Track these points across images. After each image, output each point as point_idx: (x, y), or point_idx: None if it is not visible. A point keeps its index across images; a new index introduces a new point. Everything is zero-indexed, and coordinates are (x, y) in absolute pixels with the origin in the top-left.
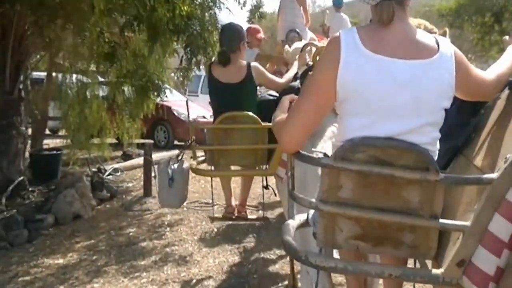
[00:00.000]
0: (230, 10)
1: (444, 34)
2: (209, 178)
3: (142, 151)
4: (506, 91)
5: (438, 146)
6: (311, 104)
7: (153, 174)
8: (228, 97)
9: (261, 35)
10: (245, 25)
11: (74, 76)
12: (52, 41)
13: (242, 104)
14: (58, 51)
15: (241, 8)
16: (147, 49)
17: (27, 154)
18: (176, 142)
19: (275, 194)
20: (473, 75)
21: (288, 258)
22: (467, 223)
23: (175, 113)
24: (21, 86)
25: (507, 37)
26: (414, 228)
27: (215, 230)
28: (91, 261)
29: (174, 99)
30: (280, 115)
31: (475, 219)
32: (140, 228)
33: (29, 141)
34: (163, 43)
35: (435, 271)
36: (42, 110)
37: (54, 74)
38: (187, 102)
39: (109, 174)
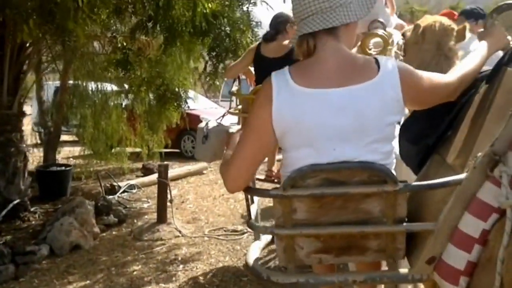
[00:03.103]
0: (268, 4)
1: (463, 30)
2: (240, 198)
3: (165, 163)
4: (484, 86)
5: (393, 156)
6: (250, 148)
7: (169, 198)
8: (269, 69)
9: None
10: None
11: (91, 84)
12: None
13: None
14: (72, 59)
15: (284, 1)
16: (164, 55)
17: (31, 168)
18: None
19: None
20: (425, 84)
21: None
22: (433, 224)
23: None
24: (22, 100)
25: (481, 30)
26: (378, 235)
27: (242, 268)
28: None
29: (202, 107)
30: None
31: (444, 218)
32: (147, 266)
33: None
34: (184, 46)
35: (402, 270)
36: (56, 121)
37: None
38: (223, 114)
39: (123, 191)
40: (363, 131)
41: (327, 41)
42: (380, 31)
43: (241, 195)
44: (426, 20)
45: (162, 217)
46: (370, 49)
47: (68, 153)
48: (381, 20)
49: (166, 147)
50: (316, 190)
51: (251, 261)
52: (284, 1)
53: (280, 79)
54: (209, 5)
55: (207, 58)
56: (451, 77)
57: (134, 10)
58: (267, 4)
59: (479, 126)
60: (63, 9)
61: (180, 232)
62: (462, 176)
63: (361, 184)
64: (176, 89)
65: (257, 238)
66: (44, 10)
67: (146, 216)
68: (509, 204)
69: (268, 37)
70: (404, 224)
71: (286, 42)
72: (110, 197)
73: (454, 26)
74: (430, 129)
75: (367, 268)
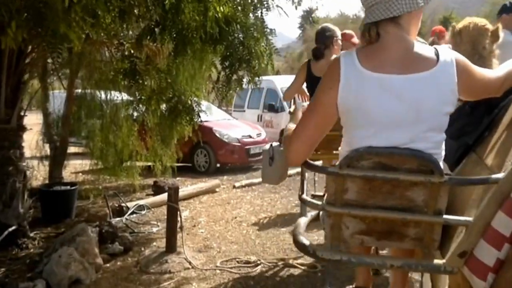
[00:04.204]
0: (282, 9)
1: (497, 30)
2: (253, 221)
3: (175, 185)
4: None
5: (443, 147)
6: (314, 122)
7: (178, 225)
8: None
9: (355, 40)
10: (297, 32)
11: (100, 94)
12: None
13: None
14: (78, 68)
15: (296, 8)
16: (174, 64)
17: (37, 184)
18: (218, 166)
19: None
20: (478, 77)
21: None
22: (470, 219)
23: (217, 134)
24: (22, 113)
25: None
26: (418, 223)
27: None
28: None
29: (216, 118)
30: (291, 128)
31: (479, 215)
32: None
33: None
34: (196, 55)
35: (436, 261)
36: (62, 135)
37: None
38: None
39: (132, 213)
40: (418, 119)
41: (390, 29)
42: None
43: (253, 219)
44: (462, 22)
45: (171, 246)
46: None
47: (77, 167)
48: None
49: (177, 161)
50: (368, 172)
51: (299, 236)
52: (296, 8)
53: (348, 60)
54: (221, 8)
55: (219, 67)
56: (499, 73)
57: (139, 13)
58: (281, 9)
59: None
60: (53, 9)
61: (190, 263)
62: (499, 175)
63: (410, 172)
64: (189, 102)
65: (303, 213)
66: (31, 11)
67: (154, 243)
68: None
69: (318, 54)
70: (444, 216)
71: (334, 57)
72: (118, 219)
73: (489, 26)
74: (470, 125)
75: (402, 256)
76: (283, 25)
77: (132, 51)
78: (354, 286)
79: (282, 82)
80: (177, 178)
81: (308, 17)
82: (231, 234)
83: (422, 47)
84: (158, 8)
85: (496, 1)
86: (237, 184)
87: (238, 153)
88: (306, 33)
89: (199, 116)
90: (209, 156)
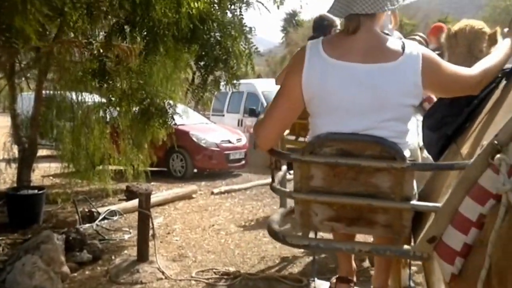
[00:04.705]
0: (262, 4)
1: (495, 34)
2: (232, 231)
3: (153, 184)
4: (503, 82)
5: (407, 138)
6: (282, 107)
7: (151, 233)
8: None
9: None
10: (279, 36)
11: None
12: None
13: None
14: (47, 68)
15: (278, 8)
16: (146, 64)
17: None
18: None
19: None
20: (448, 74)
21: None
22: (438, 204)
23: (194, 138)
24: None
25: (506, 29)
26: (386, 210)
27: None
28: None
29: (193, 122)
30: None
31: (447, 200)
32: None
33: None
34: (169, 54)
35: (406, 246)
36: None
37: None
38: None
39: (103, 218)
40: (380, 107)
41: (364, 22)
42: (417, 36)
43: (232, 227)
44: (458, 24)
45: (143, 255)
46: None
47: (48, 170)
48: (386, 32)
49: (152, 165)
50: (330, 159)
51: (271, 223)
52: (278, 7)
53: (314, 47)
54: (195, 4)
55: (195, 68)
56: (475, 71)
57: (106, 9)
58: (262, 4)
59: (492, 119)
60: (10, 1)
61: (163, 273)
62: (466, 162)
63: (373, 158)
64: (162, 104)
65: (282, 205)
66: None
67: (125, 251)
68: (505, 190)
69: None
70: (411, 202)
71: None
72: (88, 225)
73: (486, 30)
74: (450, 117)
75: (385, 243)
76: (265, 30)
77: (101, 51)
78: (337, 276)
79: (264, 86)
80: (152, 183)
81: (291, 20)
82: (208, 242)
83: (389, 40)
84: (126, 2)
85: (497, 5)
86: (215, 190)
87: (217, 158)
88: (289, 37)
89: (173, 119)
90: (186, 161)
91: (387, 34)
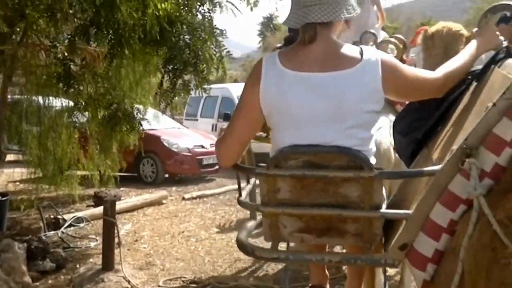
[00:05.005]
0: (233, 5)
1: (472, 36)
2: (202, 237)
3: (122, 189)
4: (474, 84)
5: (372, 144)
6: (242, 121)
7: (116, 241)
8: None
9: None
10: (256, 41)
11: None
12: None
13: None
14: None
15: (251, 9)
16: (112, 67)
17: None
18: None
19: None
20: (409, 78)
21: None
22: (409, 212)
23: (165, 143)
24: None
25: (475, 30)
26: (356, 219)
27: None
28: None
29: (164, 127)
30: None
31: (417, 207)
32: None
33: None
34: (136, 58)
35: (377, 255)
36: None
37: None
38: None
39: (69, 225)
40: (341, 116)
41: (320, 31)
42: (393, 39)
43: (203, 233)
44: (435, 26)
45: (108, 263)
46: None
47: (13, 175)
48: (372, 31)
49: (121, 170)
50: (297, 171)
51: (240, 236)
52: (251, 9)
53: (270, 60)
54: (163, 5)
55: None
56: (439, 73)
57: (68, 11)
58: (232, 5)
59: (462, 123)
60: None
61: (129, 282)
62: (435, 168)
63: (340, 168)
64: (129, 109)
65: (253, 217)
66: None
67: (91, 260)
68: (476, 194)
69: (293, 42)
70: (380, 210)
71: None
72: (53, 232)
73: (464, 32)
74: (420, 121)
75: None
76: (242, 34)
77: (66, 54)
78: (310, 285)
79: (239, 90)
80: (121, 189)
81: (268, 24)
82: (177, 250)
83: (346, 47)
84: (86, 4)
85: (481, 7)
86: (186, 196)
87: (189, 163)
88: (267, 41)
89: (141, 125)
90: (156, 166)
91: (373, 34)
